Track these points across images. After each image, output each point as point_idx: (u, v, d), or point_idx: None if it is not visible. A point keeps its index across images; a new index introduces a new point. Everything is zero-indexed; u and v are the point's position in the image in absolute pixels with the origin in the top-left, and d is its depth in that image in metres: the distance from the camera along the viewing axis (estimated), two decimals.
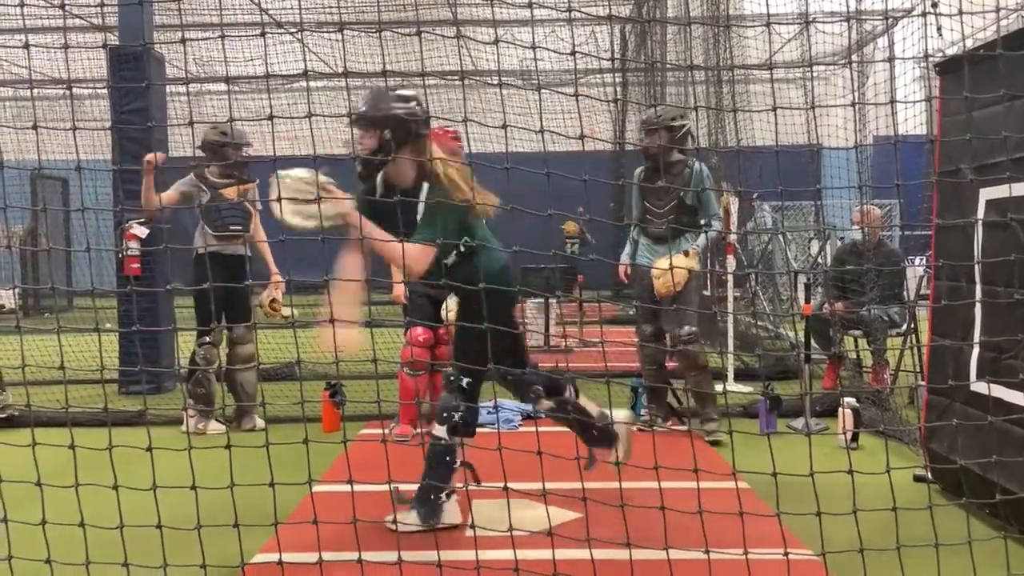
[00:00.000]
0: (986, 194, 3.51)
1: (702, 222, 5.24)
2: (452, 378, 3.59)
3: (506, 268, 3.65)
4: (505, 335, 3.20)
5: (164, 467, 2.66)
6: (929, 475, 4.05)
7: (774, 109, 2.85)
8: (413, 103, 3.46)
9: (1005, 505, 3.14)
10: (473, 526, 2.61)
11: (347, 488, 2.79)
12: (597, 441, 3.77)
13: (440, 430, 3.57)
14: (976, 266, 3.60)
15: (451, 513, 3.67)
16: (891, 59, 10.83)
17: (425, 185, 3.43)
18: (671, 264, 4.71)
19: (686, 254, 5.16)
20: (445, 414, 3.57)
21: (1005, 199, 3.30)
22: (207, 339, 5.63)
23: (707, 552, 2.46)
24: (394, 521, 3.46)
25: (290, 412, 5.84)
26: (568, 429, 3.79)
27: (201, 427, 5.58)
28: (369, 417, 5.89)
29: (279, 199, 2.97)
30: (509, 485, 2.62)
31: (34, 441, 2.62)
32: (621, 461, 3.48)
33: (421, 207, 3.36)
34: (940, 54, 5.81)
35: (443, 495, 3.64)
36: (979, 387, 3.58)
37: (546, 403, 3.75)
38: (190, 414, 5.60)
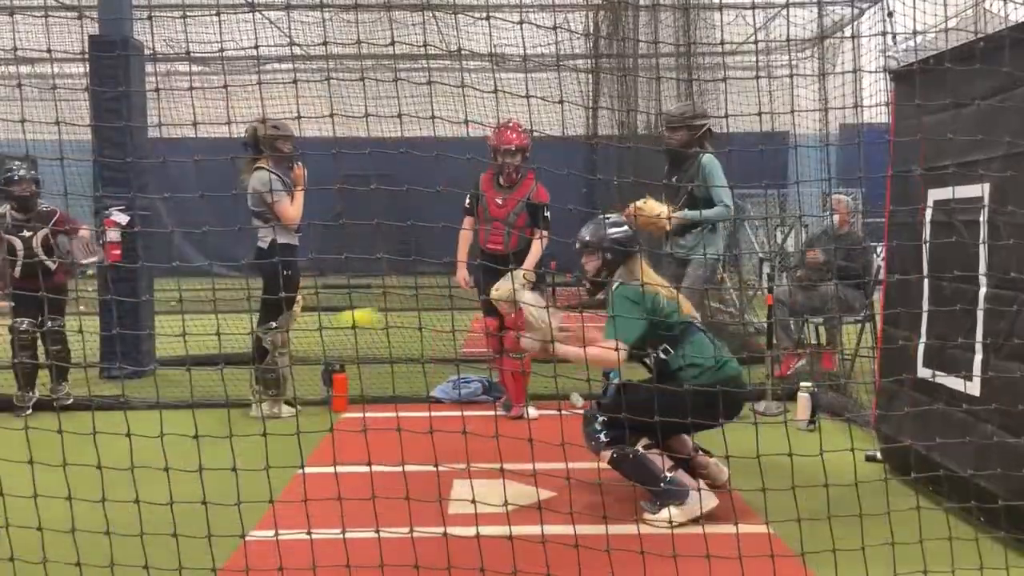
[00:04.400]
0: (933, 194, 3.78)
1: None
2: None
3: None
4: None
5: (139, 449, 2.83)
6: (879, 455, 4.34)
7: (756, 78, 3.07)
8: (624, 227, 4.04)
9: (946, 481, 3.42)
10: (439, 500, 2.82)
11: (332, 470, 3.01)
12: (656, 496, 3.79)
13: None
14: (923, 260, 3.87)
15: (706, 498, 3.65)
16: (854, 36, 11.14)
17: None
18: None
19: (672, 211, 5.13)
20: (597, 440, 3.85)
21: (950, 199, 3.56)
22: (274, 324, 5.72)
23: (671, 525, 2.70)
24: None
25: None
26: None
27: (276, 411, 5.73)
28: (378, 400, 5.91)
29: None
30: (489, 465, 2.84)
31: (27, 426, 2.79)
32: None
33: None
34: (899, 41, 6.04)
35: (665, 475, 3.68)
36: (925, 374, 3.86)
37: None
38: (261, 399, 5.73)
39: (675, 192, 5.33)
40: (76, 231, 6.17)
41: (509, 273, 5.50)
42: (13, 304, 6.04)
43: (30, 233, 5.97)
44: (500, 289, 5.55)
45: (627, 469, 3.74)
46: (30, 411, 5.86)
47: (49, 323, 5.96)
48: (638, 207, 4.87)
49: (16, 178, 5.96)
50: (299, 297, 5.96)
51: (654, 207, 4.97)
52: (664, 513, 3.60)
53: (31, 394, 6.02)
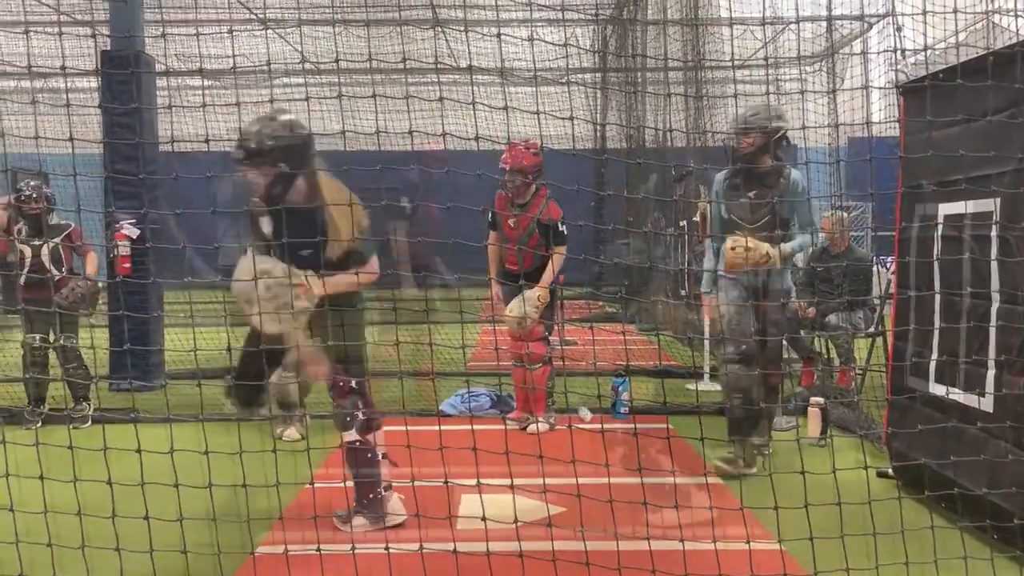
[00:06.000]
0: (944, 209, 3.76)
1: (795, 231, 4.88)
2: (349, 385, 3.65)
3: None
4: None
5: (148, 464, 2.84)
6: (891, 471, 4.31)
7: (767, 93, 3.06)
8: (300, 129, 3.54)
9: (960, 499, 3.39)
10: (450, 517, 2.81)
11: (339, 484, 3.01)
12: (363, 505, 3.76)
13: (351, 434, 3.65)
14: (935, 275, 3.85)
15: (395, 507, 3.75)
16: (864, 52, 11.16)
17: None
18: (746, 243, 4.53)
19: (778, 248, 4.67)
20: (348, 418, 3.63)
21: (960, 215, 3.55)
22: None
23: (682, 543, 2.68)
24: (350, 528, 3.64)
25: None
26: None
27: (279, 431, 5.61)
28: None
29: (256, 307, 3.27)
30: (498, 482, 2.83)
31: (38, 441, 2.79)
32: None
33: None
34: (908, 55, 6.04)
35: (380, 491, 3.72)
36: (937, 390, 3.84)
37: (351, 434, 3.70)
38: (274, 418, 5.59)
39: (754, 208, 4.81)
40: (85, 251, 6.24)
41: (521, 295, 5.49)
42: (23, 319, 6.07)
43: (40, 242, 6.02)
44: (513, 311, 5.54)
45: (356, 460, 3.65)
46: (40, 424, 5.86)
47: (63, 341, 6.00)
48: (748, 251, 4.54)
49: (24, 197, 6.01)
50: None
51: (760, 247, 4.60)
52: (356, 521, 3.65)
53: (40, 409, 6.02)
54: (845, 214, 7.33)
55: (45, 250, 6.03)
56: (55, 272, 6.03)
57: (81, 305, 6.05)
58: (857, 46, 12.87)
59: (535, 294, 5.54)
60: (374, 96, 3.08)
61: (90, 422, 6.01)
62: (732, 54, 10.38)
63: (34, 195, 6.01)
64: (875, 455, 4.89)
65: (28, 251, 6.04)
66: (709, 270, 5.06)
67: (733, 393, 4.81)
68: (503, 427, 5.54)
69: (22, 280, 5.98)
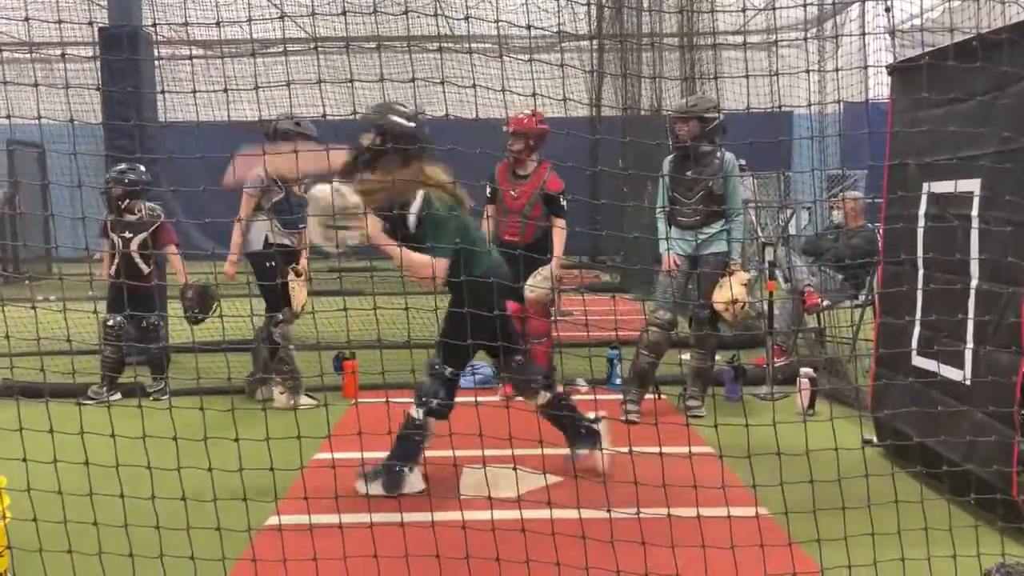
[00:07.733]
0: (927, 188, 3.86)
1: (728, 216, 5.35)
2: (437, 366, 3.94)
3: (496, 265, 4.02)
4: (491, 328, 3.59)
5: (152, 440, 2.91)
6: (875, 439, 4.45)
7: (771, 75, 3.16)
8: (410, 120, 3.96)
9: (937, 467, 3.53)
10: (458, 495, 2.92)
11: (346, 455, 3.12)
12: (581, 441, 4.16)
13: (417, 412, 3.93)
14: (919, 250, 3.96)
15: (413, 483, 3.98)
16: (863, 31, 11.12)
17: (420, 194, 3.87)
18: (733, 298, 5.04)
19: (740, 280, 5.27)
20: (424, 398, 3.92)
21: (943, 193, 3.65)
22: (280, 317, 5.80)
23: (669, 513, 2.82)
24: (366, 487, 3.88)
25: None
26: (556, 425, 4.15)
27: (293, 403, 5.75)
28: (377, 387, 5.88)
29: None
30: (491, 452, 2.94)
31: (53, 429, 2.86)
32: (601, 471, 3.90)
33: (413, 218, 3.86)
34: (902, 25, 6.11)
35: (406, 467, 3.97)
36: (919, 361, 3.97)
37: (545, 395, 4.11)
38: (280, 391, 5.83)
39: (691, 185, 5.28)
40: (166, 244, 6.32)
41: (549, 271, 5.45)
42: (108, 300, 6.18)
43: (130, 235, 6.16)
44: (540, 287, 5.52)
45: (397, 441, 3.96)
46: (108, 401, 5.83)
47: (144, 322, 6.18)
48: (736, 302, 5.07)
49: (108, 177, 6.14)
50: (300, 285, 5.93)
51: (725, 294, 5.11)
52: (360, 484, 3.89)
53: (108, 390, 6.00)
54: (860, 194, 7.46)
55: (133, 244, 6.13)
56: (140, 264, 6.18)
57: (192, 311, 5.97)
58: (856, 11, 12.81)
59: (552, 270, 5.56)
60: (382, 79, 3.14)
61: (168, 395, 5.95)
62: (743, 34, 10.36)
63: (117, 176, 6.07)
64: (864, 424, 5.01)
65: (119, 242, 6.12)
66: (661, 237, 5.51)
67: (647, 352, 5.38)
68: (505, 401, 5.51)
69: (112, 270, 6.15)
